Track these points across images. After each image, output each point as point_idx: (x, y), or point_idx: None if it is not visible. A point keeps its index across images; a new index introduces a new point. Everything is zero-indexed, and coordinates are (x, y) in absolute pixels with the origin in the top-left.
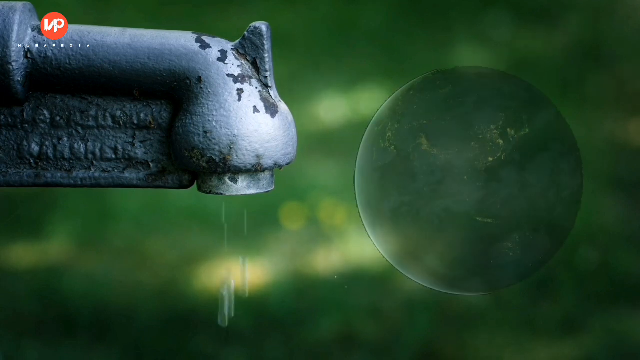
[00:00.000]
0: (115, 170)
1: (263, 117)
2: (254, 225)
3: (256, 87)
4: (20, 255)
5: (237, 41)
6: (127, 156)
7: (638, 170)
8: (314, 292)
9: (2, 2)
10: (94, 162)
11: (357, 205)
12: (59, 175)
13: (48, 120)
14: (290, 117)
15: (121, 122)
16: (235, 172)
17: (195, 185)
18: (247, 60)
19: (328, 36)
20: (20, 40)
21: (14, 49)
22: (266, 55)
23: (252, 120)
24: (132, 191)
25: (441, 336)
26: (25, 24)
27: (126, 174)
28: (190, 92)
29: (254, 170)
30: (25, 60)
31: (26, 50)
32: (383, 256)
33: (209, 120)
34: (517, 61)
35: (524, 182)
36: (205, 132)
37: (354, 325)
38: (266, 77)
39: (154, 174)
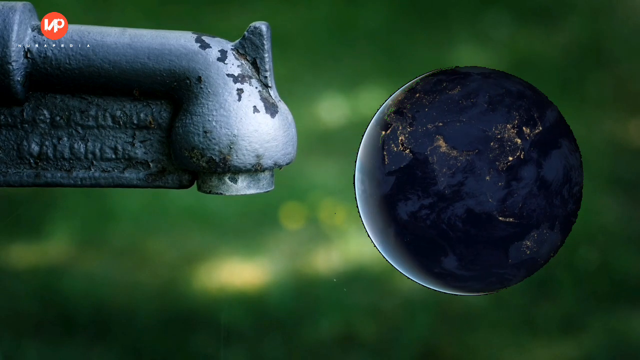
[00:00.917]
0: (115, 170)
1: (263, 117)
2: (254, 225)
3: (256, 87)
4: (20, 255)
5: (237, 41)
6: (127, 156)
7: (638, 170)
8: (314, 292)
9: (2, 2)
10: (94, 162)
11: (357, 205)
12: (58, 175)
13: (48, 120)
14: (290, 117)
15: (121, 122)
16: (235, 172)
17: (195, 185)
18: (247, 60)
19: (328, 36)
20: (20, 40)
21: (13, 48)
22: (266, 55)
23: (252, 120)
24: (132, 191)
25: (441, 336)
26: (25, 24)
27: (126, 174)
28: (190, 92)
29: (254, 170)
30: (25, 60)
31: (26, 50)
32: (383, 256)
33: (208, 120)
34: (517, 61)
35: (542, 179)
36: (205, 132)
37: (353, 325)
38: (266, 77)
39: (154, 174)
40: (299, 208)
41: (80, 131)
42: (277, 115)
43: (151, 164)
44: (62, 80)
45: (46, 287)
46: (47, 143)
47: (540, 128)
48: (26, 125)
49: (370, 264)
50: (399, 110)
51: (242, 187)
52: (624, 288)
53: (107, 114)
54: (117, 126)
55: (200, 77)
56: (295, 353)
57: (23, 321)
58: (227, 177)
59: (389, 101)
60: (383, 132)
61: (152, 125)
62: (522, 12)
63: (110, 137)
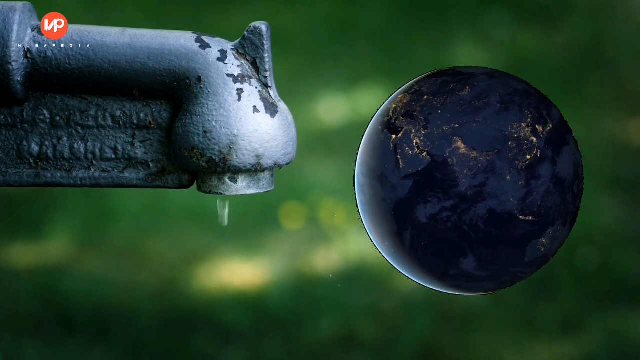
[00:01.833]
0: (115, 170)
1: (263, 117)
2: (254, 225)
3: (256, 87)
4: (20, 255)
5: (237, 41)
6: (126, 156)
7: (638, 170)
8: (314, 291)
9: (2, 2)
10: (94, 162)
11: (357, 205)
12: (58, 175)
13: (48, 120)
14: (290, 117)
15: (121, 122)
16: (235, 172)
17: (195, 185)
18: (247, 60)
19: (328, 36)
20: (20, 40)
21: (13, 48)
22: (266, 55)
23: (252, 120)
24: (132, 191)
25: (441, 336)
26: (25, 24)
27: (126, 174)
28: (190, 92)
29: (254, 170)
30: (25, 60)
31: (26, 50)
32: (383, 256)
33: (208, 120)
34: (517, 61)
35: (557, 177)
36: (205, 132)
37: (353, 325)
38: (266, 77)
39: (154, 174)
40: (299, 208)
41: (80, 131)
42: (277, 115)
43: (151, 164)
44: (62, 80)
45: (46, 287)
46: (47, 143)
47: (551, 125)
48: (26, 125)
49: (370, 264)
50: (407, 113)
51: (242, 187)
52: (623, 288)
53: (107, 114)
54: (117, 126)
55: (200, 77)
56: (295, 353)
57: (23, 321)
58: (227, 177)
59: (389, 103)
60: (393, 136)
61: (152, 125)
62: (522, 12)
63: (110, 137)
